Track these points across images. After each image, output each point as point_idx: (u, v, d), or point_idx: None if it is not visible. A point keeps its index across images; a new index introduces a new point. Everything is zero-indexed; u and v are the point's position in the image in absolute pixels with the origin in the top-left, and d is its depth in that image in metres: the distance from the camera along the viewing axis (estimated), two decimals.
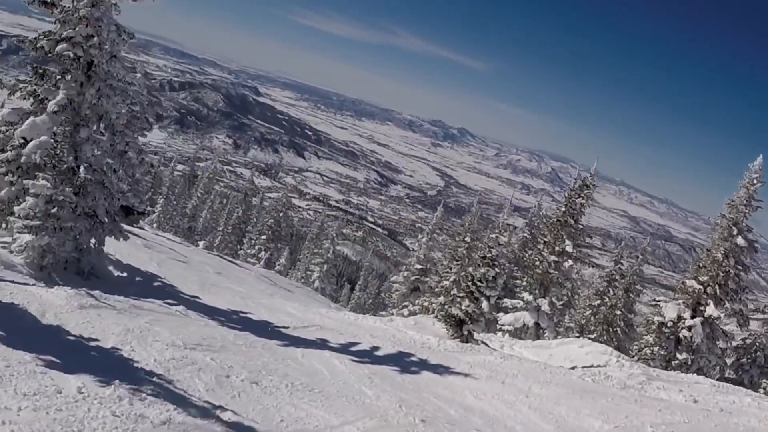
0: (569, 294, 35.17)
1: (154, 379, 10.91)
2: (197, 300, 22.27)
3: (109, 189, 20.71)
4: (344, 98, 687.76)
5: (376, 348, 19.84)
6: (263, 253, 66.32)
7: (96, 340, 12.72)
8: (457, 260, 40.04)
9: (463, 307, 24.11)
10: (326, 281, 63.84)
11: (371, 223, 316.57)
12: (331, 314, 26.19)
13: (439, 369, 18.18)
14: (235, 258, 58.76)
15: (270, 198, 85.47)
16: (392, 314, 44.48)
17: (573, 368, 23.91)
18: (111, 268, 22.72)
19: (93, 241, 21.09)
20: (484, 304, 24.06)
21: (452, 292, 37.82)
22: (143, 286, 21.88)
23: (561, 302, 34.75)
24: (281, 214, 69.64)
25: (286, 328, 20.74)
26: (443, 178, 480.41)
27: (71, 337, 12.57)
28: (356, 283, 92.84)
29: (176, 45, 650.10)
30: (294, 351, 16.62)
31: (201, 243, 61.87)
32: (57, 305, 14.47)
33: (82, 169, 19.60)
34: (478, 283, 24.05)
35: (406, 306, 44.61)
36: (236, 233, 71.22)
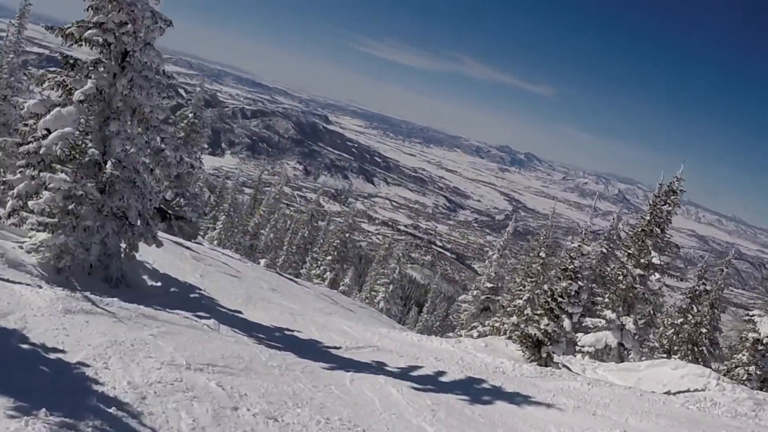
0: (651, 311, 31.65)
1: (112, 409, 7.81)
2: (237, 315, 19.34)
3: (141, 189, 17.91)
4: (412, 126, 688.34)
5: (441, 373, 16.76)
6: (328, 273, 63.64)
7: (61, 351, 9.86)
8: (531, 277, 36.70)
9: (541, 326, 20.87)
10: (392, 302, 60.75)
11: (440, 247, 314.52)
12: (392, 335, 23.03)
13: (516, 398, 15.08)
14: (297, 277, 56.23)
15: (337, 221, 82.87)
16: (460, 335, 41.35)
17: (668, 393, 20.60)
18: (145, 277, 20.05)
19: (123, 245, 18.35)
20: (566, 323, 20.78)
21: (526, 312, 34.58)
22: (176, 297, 19.00)
23: (643, 320, 31.25)
24: (347, 235, 66.93)
25: (337, 348, 17.79)
26: (511, 202, 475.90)
27: (25, 346, 9.74)
28: (424, 305, 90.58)
29: (248, 75, 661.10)
30: (341, 375, 13.67)
31: (262, 261, 59.30)
32: (36, 307, 11.83)
33: (109, 164, 16.89)
34: (559, 299, 20.76)
35: (476, 327, 41.32)
36: (300, 253, 68.73)
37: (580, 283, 20.83)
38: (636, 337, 29.74)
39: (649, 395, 17.40)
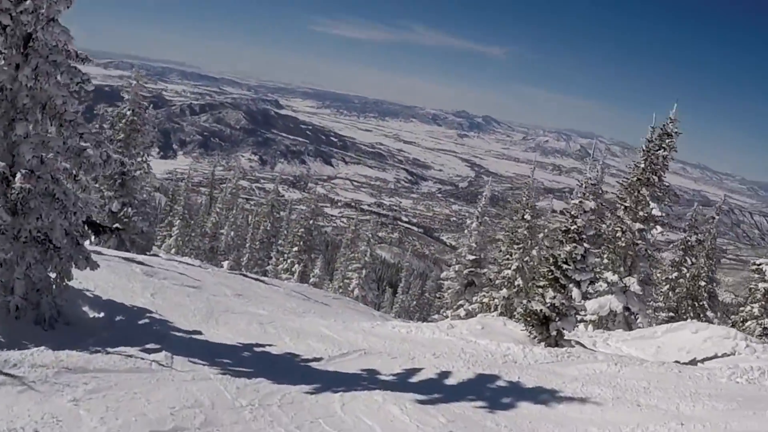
0: (648, 268, 29.44)
1: None
2: (195, 337, 16.77)
3: (64, 202, 15.10)
4: (366, 100, 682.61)
5: (446, 374, 14.41)
6: (296, 266, 61.47)
7: None
8: (518, 244, 34.16)
9: (547, 300, 18.53)
10: (366, 288, 58.43)
11: (406, 222, 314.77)
12: (377, 330, 20.62)
13: (541, 395, 12.82)
14: (264, 275, 53.75)
15: (299, 209, 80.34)
16: (446, 316, 38.93)
17: (694, 362, 18.47)
18: (86, 308, 17.32)
19: (53, 275, 15.61)
20: (575, 293, 18.49)
21: (517, 283, 32.24)
22: (121, 328, 16.35)
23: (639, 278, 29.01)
24: (311, 222, 64.48)
25: (319, 360, 15.35)
26: (473, 168, 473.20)
27: None
28: (398, 286, 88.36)
29: (193, 68, 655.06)
30: (329, 400, 11.36)
31: (225, 263, 57.08)
32: None
33: (18, 177, 14.04)
34: (564, 266, 18.37)
35: (462, 305, 38.77)
36: (265, 249, 66.10)
37: (585, 245, 18.42)
38: (642, 300, 27.53)
39: (689, 371, 15.22)
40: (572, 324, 19.10)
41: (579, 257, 18.26)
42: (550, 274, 18.61)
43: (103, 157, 16.67)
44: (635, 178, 27.40)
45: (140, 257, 32.58)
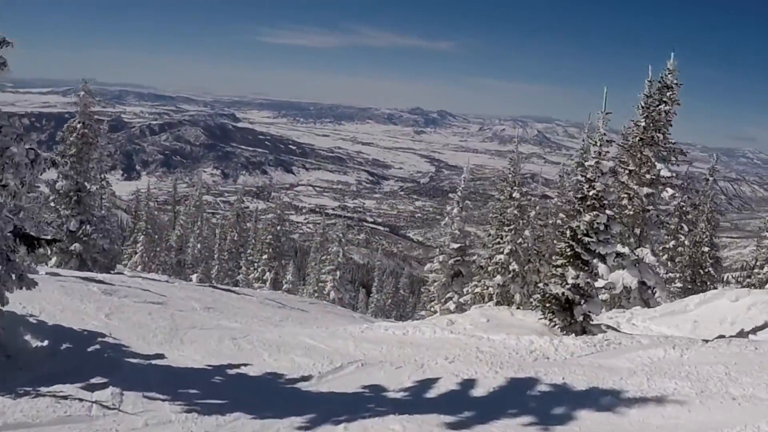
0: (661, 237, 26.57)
1: None
2: (155, 362, 13.71)
3: None
4: (321, 106, 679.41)
5: (470, 383, 11.43)
6: (268, 273, 58.55)
7: None
8: (508, 225, 31.06)
9: (569, 281, 15.44)
10: (342, 289, 55.34)
11: (371, 223, 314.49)
12: (368, 333, 17.55)
13: (602, 399, 10.04)
14: (236, 285, 50.88)
15: (265, 218, 77.78)
16: (434, 311, 35.83)
17: (743, 334, 15.75)
18: (28, 336, 14.32)
19: None
20: (601, 269, 15.56)
21: (512, 268, 29.21)
22: (66, 358, 13.31)
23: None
24: (279, 228, 61.48)
25: (308, 379, 12.35)
26: (432, 163, 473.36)
27: None
28: (371, 286, 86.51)
29: (149, 89, 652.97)
30: None
31: (194, 276, 54.07)
32: None
33: None
34: (585, 239, 15.34)
35: (451, 298, 35.62)
36: (234, 259, 63.15)
37: (608, 212, 15.39)
38: (657, 272, 24.58)
39: (765, 346, 12.24)
40: (599, 306, 16.13)
41: (602, 227, 15.26)
42: (569, 249, 15.53)
43: (30, 156, 13.55)
44: (637, 138, 24.44)
45: (100, 276, 29.63)
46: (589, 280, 15.36)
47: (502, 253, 30.12)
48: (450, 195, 37.50)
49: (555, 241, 27.51)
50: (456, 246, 35.75)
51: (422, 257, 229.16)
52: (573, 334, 15.45)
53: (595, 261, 15.39)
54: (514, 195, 30.88)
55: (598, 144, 15.74)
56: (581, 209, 15.53)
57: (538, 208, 31.41)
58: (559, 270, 15.77)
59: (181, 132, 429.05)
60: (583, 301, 15.49)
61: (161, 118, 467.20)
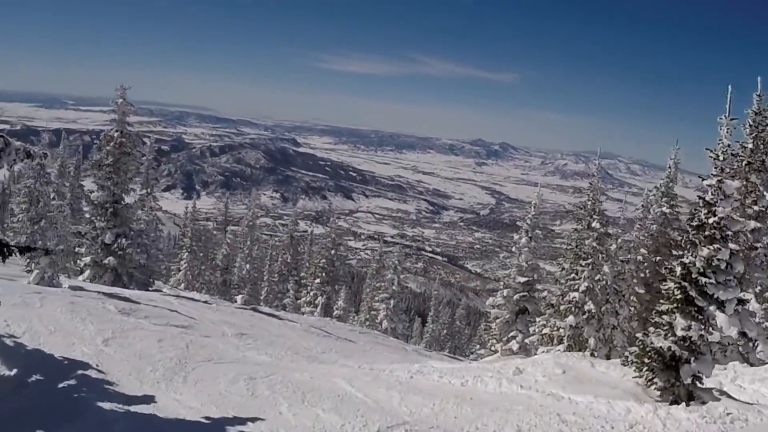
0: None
1: None
2: (138, 409, 10.73)
3: None
4: (382, 134, 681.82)
5: None
6: (320, 298, 55.86)
7: None
8: (586, 259, 27.27)
9: (678, 332, 12.01)
10: (395, 319, 52.08)
11: (429, 252, 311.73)
12: (417, 380, 14.36)
13: None
14: (283, 309, 48.27)
15: (321, 241, 75.03)
16: (495, 350, 32.33)
17: None
18: None
19: None
20: (719, 318, 12.21)
21: (587, 308, 25.61)
22: (31, 393, 10.44)
23: None
24: (333, 252, 58.45)
25: None
26: (493, 195, 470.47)
27: None
28: (427, 315, 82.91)
29: (211, 111, 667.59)
30: None
31: (239, 297, 51.20)
32: None
33: None
34: (702, 279, 11.87)
35: (514, 337, 31.94)
36: (284, 281, 60.38)
37: (732, 245, 11.94)
38: (762, 321, 20.88)
39: None
40: (710, 366, 12.57)
41: (723, 265, 11.81)
42: (679, 292, 12.03)
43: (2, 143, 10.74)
44: (743, 163, 20.91)
45: (128, 293, 27.00)
46: (702, 332, 11.94)
47: (576, 290, 26.39)
48: (518, 224, 34.02)
49: (595, 285, 24.32)
50: (523, 280, 32.11)
51: (480, 289, 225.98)
52: (676, 400, 12.04)
53: (711, 308, 11.92)
54: (593, 225, 26.95)
55: (721, 158, 12.18)
56: (696, 241, 12.04)
57: (620, 240, 27.48)
58: (665, 318, 12.28)
59: (241, 154, 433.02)
60: (692, 359, 12.04)
61: (222, 140, 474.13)
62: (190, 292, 42.12)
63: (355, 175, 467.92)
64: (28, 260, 29.15)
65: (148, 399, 11.22)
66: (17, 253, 12.24)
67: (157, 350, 15.19)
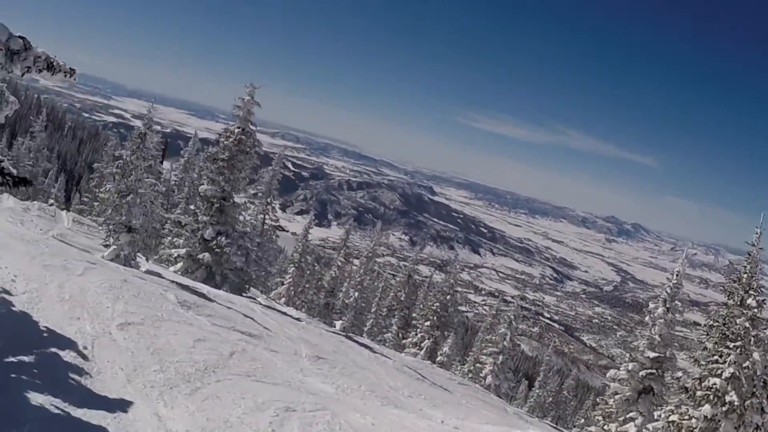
0: None
1: None
2: (85, 417, 7.16)
3: None
4: (518, 197, 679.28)
5: None
6: (426, 341, 52.80)
7: None
8: (735, 340, 22.51)
9: None
10: (501, 376, 47.94)
11: (547, 318, 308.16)
12: None
13: None
14: (383, 343, 45.73)
15: (438, 285, 71.67)
16: (607, 431, 27.73)
17: None
18: None
19: None
20: None
21: (730, 399, 21.04)
22: None
23: None
24: (448, 297, 55.08)
25: None
26: (619, 273, 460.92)
27: None
28: (535, 379, 79.14)
29: (354, 147, 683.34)
30: None
31: (338, 323, 48.00)
32: None
33: None
34: None
35: (633, 419, 26.97)
36: (391, 317, 58.37)
37: None
38: None
39: None
40: None
41: None
42: None
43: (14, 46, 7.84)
44: None
45: (207, 289, 23.96)
46: None
47: (718, 375, 21.79)
48: (652, 301, 29.22)
49: (741, 372, 19.69)
50: (653, 355, 27.27)
51: (592, 363, 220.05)
52: None
53: None
54: (747, 301, 22.19)
55: None
56: None
57: None
58: None
59: (377, 193, 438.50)
60: None
61: (361, 177, 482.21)
62: (286, 307, 38.90)
63: (485, 231, 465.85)
64: (107, 234, 26.55)
65: (117, 406, 7.76)
66: (10, 185, 9.50)
67: (185, 350, 11.72)
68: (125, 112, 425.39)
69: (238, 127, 32.54)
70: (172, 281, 22.23)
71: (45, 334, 10.26)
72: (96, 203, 29.20)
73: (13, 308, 10.89)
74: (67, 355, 9.62)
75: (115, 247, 25.78)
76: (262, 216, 40.84)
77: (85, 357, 9.94)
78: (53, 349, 9.50)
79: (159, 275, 23.09)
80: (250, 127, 32.91)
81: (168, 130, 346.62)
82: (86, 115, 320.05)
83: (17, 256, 15.15)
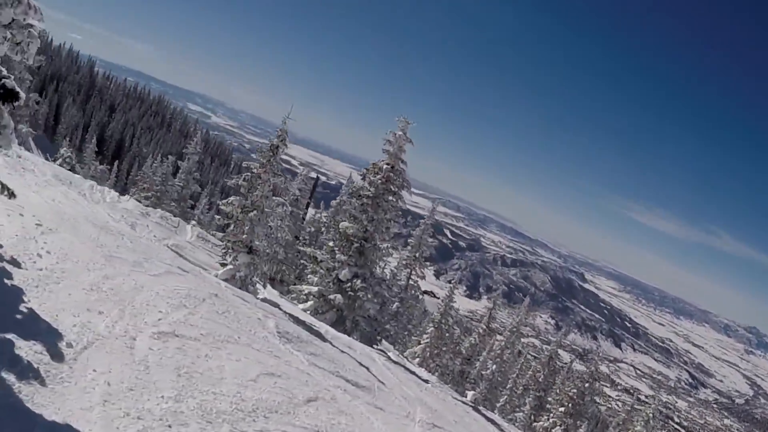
0: None
1: None
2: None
3: None
4: (665, 295, 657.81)
5: None
6: (558, 427, 47.37)
7: None
8: None
9: None
10: None
11: (676, 423, 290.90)
12: None
13: None
14: (512, 422, 41.69)
15: (577, 371, 66.59)
16: None
17: None
18: None
19: None
20: None
21: None
22: None
23: None
24: (587, 386, 50.01)
25: None
26: (753, 387, 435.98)
27: None
28: None
29: (511, 223, 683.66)
30: None
31: (470, 393, 43.67)
32: None
33: None
34: None
35: None
36: (526, 396, 53.78)
37: None
38: None
39: None
40: None
41: None
42: None
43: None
44: None
45: (326, 329, 20.29)
46: None
47: None
48: None
49: None
50: None
51: None
52: None
53: None
54: None
55: None
56: None
57: None
58: None
59: (530, 273, 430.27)
60: None
61: (515, 254, 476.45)
62: (418, 367, 34.78)
63: (629, 326, 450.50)
64: (224, 251, 23.20)
65: None
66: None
67: (238, 382, 7.92)
68: (292, 159, 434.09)
69: (387, 164, 28.71)
70: (289, 314, 18.58)
71: (19, 317, 6.83)
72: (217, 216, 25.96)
73: (6, 281, 7.56)
74: (31, 349, 6.15)
75: (231, 267, 22.43)
76: (408, 270, 37.12)
77: (59, 357, 6.42)
78: (12, 336, 6.04)
79: (276, 305, 19.49)
80: (401, 165, 28.94)
81: (333, 182, 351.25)
82: (254, 156, 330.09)
83: (79, 239, 11.80)
